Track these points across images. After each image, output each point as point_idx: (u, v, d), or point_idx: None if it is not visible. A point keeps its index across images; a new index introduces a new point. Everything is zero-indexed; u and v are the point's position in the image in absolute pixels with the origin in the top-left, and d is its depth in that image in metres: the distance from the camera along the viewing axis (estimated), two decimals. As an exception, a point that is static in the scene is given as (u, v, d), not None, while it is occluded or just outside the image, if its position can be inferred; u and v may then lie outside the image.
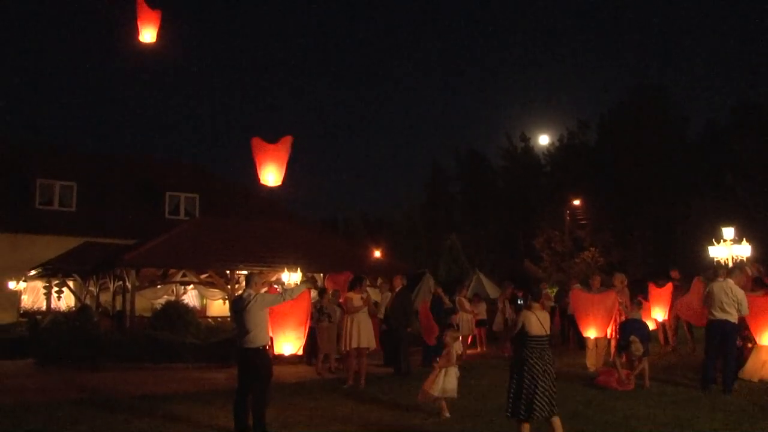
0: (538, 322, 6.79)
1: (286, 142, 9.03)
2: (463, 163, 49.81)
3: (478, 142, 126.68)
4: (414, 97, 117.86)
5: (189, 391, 11.00)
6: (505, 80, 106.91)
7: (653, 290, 14.53)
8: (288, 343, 9.68)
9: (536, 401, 6.56)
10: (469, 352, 15.95)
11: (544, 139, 44.75)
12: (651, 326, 13.91)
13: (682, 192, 34.84)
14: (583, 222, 37.21)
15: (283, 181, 9.13)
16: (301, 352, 10.75)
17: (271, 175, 8.90)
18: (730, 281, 10.33)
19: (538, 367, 6.63)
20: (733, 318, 10.12)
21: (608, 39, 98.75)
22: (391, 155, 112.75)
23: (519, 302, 16.81)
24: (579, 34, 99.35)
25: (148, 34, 9.17)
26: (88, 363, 14.19)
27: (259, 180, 9.03)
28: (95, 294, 20.69)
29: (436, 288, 15.97)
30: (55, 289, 22.67)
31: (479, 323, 17.48)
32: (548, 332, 6.91)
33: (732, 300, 10.08)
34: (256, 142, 8.93)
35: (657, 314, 14.35)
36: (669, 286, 14.52)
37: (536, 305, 6.94)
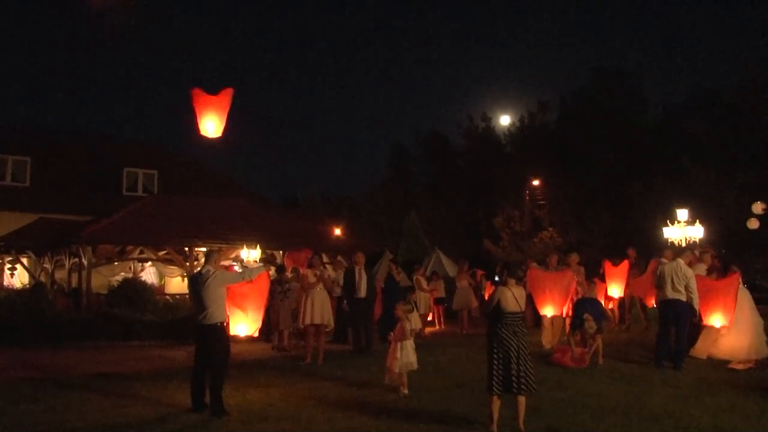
0: (514, 298, 6.83)
1: (227, 94, 8.93)
2: (424, 142, 49.86)
3: (439, 121, 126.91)
4: (376, 76, 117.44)
5: (147, 369, 10.92)
6: (467, 60, 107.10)
7: (609, 268, 14.81)
8: (243, 324, 9.64)
9: (512, 378, 6.64)
10: (427, 329, 16.10)
11: (505, 120, 44.97)
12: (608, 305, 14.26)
13: (639, 173, 35.41)
14: (542, 202, 37.59)
15: (223, 133, 9.04)
16: (256, 335, 10.73)
17: (211, 125, 8.81)
18: (680, 261, 10.63)
19: (513, 343, 6.70)
20: (683, 297, 10.41)
21: (570, 21, 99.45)
22: (352, 134, 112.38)
23: (496, 279, 16.97)
24: (542, 16, 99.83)
25: None
26: (43, 341, 13.96)
27: (198, 131, 8.93)
28: (50, 271, 20.33)
29: (390, 264, 15.98)
30: (8, 266, 22.17)
31: (438, 301, 17.64)
32: (523, 308, 6.97)
33: (682, 279, 10.38)
34: (197, 93, 8.80)
35: (613, 291, 14.63)
36: (625, 263, 14.80)
37: (512, 281, 6.99)
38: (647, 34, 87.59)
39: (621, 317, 15.63)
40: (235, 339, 10.00)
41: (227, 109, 8.95)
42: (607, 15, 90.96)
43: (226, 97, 8.94)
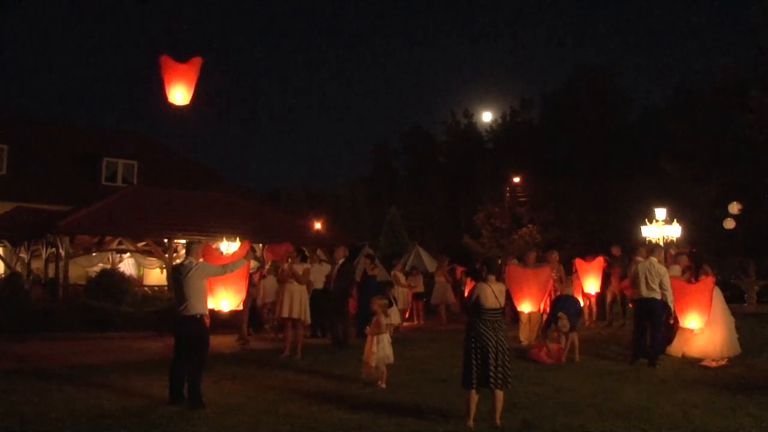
0: (493, 294, 6.87)
1: (196, 62, 8.89)
2: (406, 137, 49.99)
3: (422, 117, 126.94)
4: (359, 71, 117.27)
5: (124, 360, 10.88)
6: (450, 56, 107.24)
7: (580, 264, 14.92)
8: (226, 299, 9.65)
9: (490, 373, 6.68)
10: (405, 324, 16.17)
11: (487, 116, 45.22)
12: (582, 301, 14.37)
13: (619, 172, 35.75)
14: (522, 199, 37.85)
15: (191, 101, 9.00)
16: (241, 307, 10.76)
17: (179, 93, 8.79)
18: (653, 259, 10.80)
19: (491, 339, 6.75)
20: (658, 295, 10.56)
21: (554, 20, 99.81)
22: (335, 128, 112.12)
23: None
24: (525, 13, 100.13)
25: None
26: (19, 332, 13.84)
27: (166, 98, 8.91)
28: (26, 261, 20.14)
29: (364, 260, 15.98)
30: (-16, 255, 21.93)
31: (417, 296, 17.70)
32: (502, 305, 7.02)
33: (656, 277, 10.55)
34: (165, 60, 8.77)
35: (589, 287, 14.73)
36: (599, 259, 14.93)
37: (492, 277, 7.03)
38: (630, 34, 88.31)
39: (600, 314, 15.78)
40: (215, 330, 9.99)
41: (195, 78, 8.93)
42: (591, 14, 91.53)
43: (194, 65, 8.91)
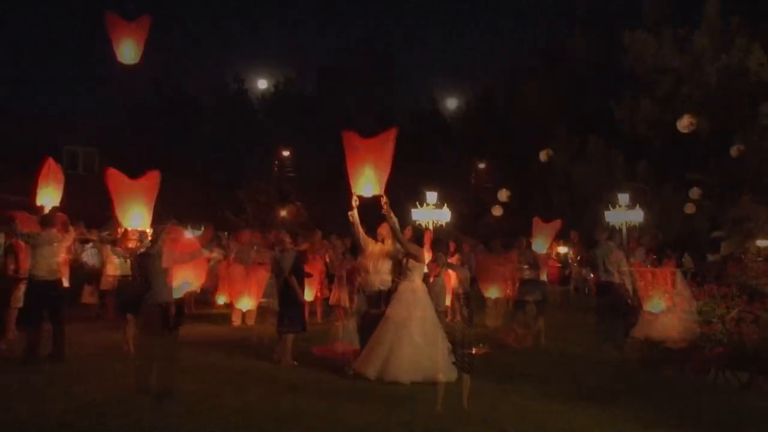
0: (458, 280, 6.95)
1: (144, 21, 8.80)
2: (372, 124, 49.79)
3: (388, 104, 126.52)
4: (320, 57, 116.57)
5: (89, 351, 10.76)
6: (413, 42, 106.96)
7: (537, 224, 14.43)
8: (185, 280, 9.57)
9: (457, 357, 6.72)
10: (373, 311, 16.15)
11: (451, 103, 45.22)
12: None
13: (580, 156, 36.02)
14: (487, 185, 38.04)
15: (140, 60, 8.92)
16: (198, 291, 10.72)
17: (127, 51, 8.68)
18: (611, 243, 10.98)
19: (457, 324, 6.81)
20: (616, 278, 10.74)
21: (518, 9, 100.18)
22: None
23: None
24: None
25: None
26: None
27: (116, 57, 8.79)
28: (-16, 252, 19.69)
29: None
30: (-62, 247, 21.36)
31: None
32: (467, 290, 7.09)
33: (614, 261, 10.72)
34: (111, 18, 8.62)
35: (537, 246, 13.18)
36: (557, 221, 14.40)
37: (457, 263, 7.09)
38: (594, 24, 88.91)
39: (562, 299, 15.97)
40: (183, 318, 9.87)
41: (144, 36, 8.82)
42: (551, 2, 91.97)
43: (142, 24, 8.80)
